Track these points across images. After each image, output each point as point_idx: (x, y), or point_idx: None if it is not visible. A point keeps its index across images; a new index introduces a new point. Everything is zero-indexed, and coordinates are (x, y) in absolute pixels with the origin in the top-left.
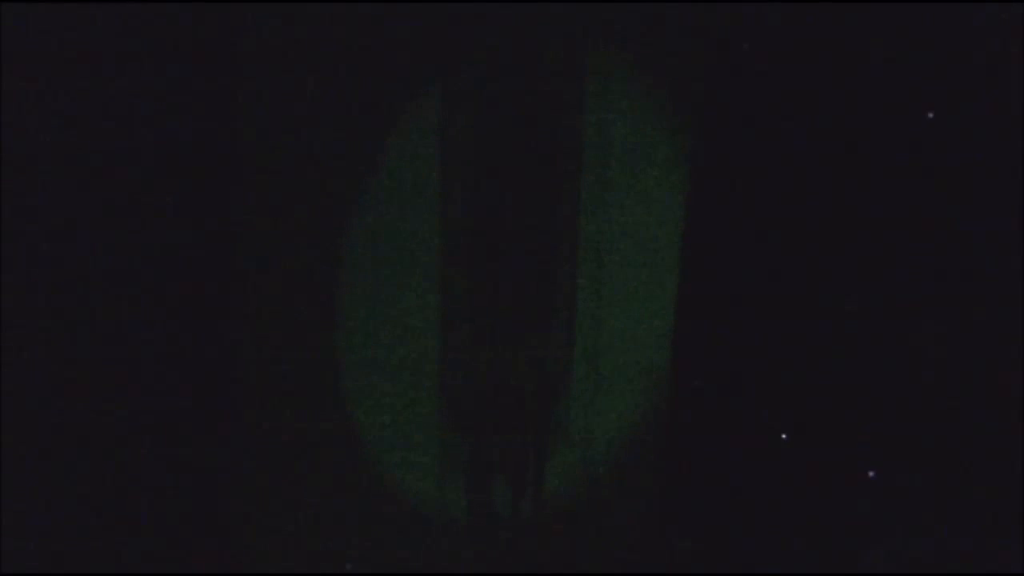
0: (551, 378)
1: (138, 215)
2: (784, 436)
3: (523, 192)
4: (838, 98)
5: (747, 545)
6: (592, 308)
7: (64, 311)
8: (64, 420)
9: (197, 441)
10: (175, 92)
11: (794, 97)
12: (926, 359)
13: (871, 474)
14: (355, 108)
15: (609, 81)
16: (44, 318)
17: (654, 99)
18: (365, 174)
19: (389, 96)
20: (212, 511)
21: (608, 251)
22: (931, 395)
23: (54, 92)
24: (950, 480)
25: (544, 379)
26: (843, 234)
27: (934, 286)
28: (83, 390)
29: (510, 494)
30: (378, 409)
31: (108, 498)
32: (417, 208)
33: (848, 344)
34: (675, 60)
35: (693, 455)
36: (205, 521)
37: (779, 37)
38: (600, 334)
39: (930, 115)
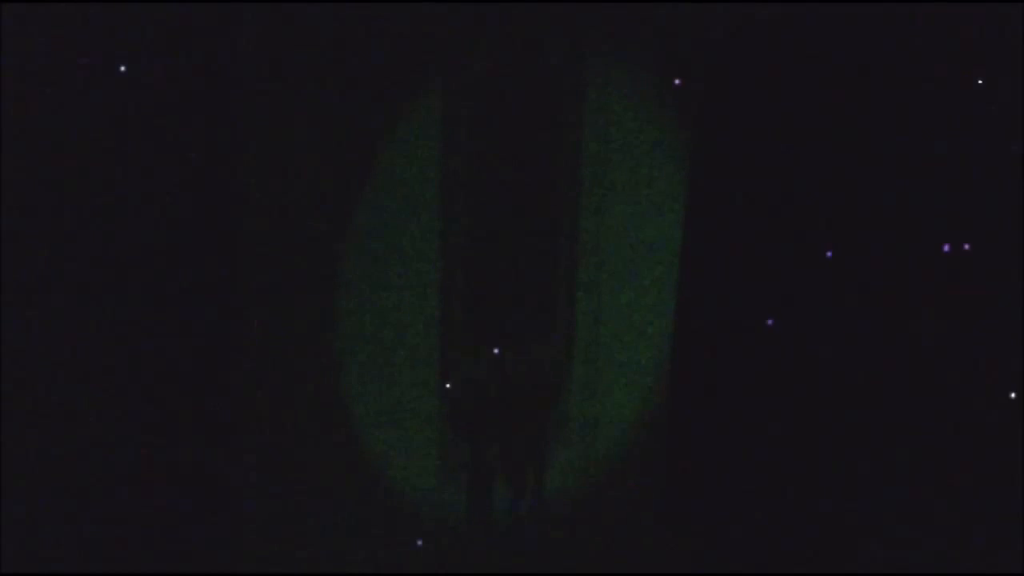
0: (551, 378)
1: (138, 215)
2: None
3: (523, 192)
4: (838, 98)
5: (747, 545)
6: (592, 308)
7: (64, 312)
8: (64, 420)
9: (197, 441)
10: (175, 92)
11: (794, 97)
12: (926, 358)
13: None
14: (355, 108)
15: (609, 81)
16: (45, 318)
17: (654, 99)
18: (365, 174)
19: (389, 96)
20: (212, 511)
21: (608, 251)
22: (931, 395)
23: (54, 92)
24: (950, 480)
25: (544, 379)
26: (843, 234)
27: (934, 285)
28: (84, 391)
29: (510, 495)
30: (378, 409)
31: (108, 498)
32: (417, 208)
33: (848, 343)
34: (675, 60)
35: (693, 455)
36: (205, 521)
37: (779, 37)
38: (600, 334)
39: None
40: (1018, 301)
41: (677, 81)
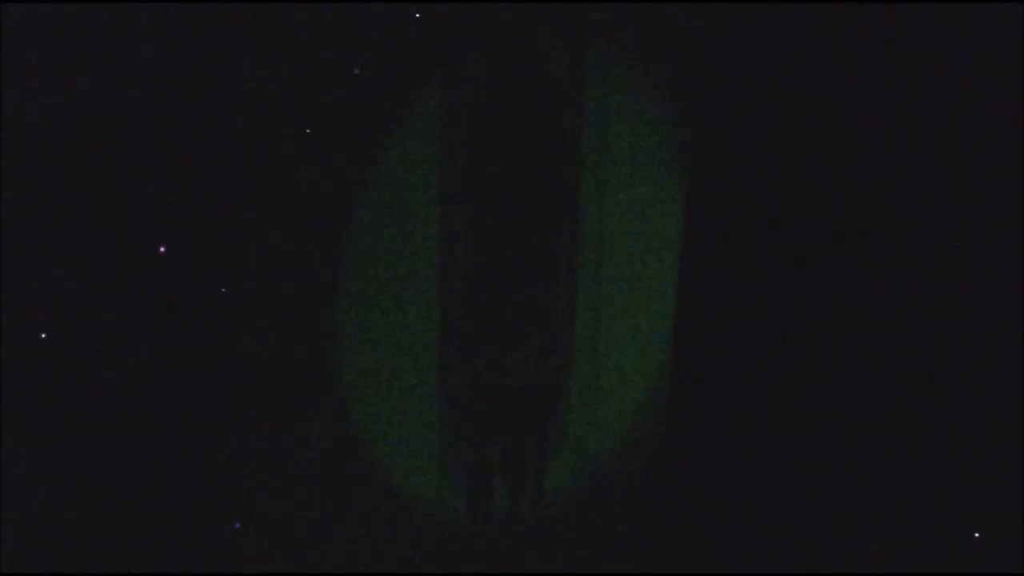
0: (551, 378)
1: (138, 215)
2: None
3: (523, 192)
4: (838, 98)
5: (747, 545)
6: (592, 308)
7: (65, 312)
8: (65, 421)
9: (198, 442)
10: (175, 92)
11: (794, 97)
12: (925, 358)
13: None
14: (355, 108)
15: (609, 81)
16: (45, 319)
17: (654, 99)
18: (365, 174)
19: (389, 96)
20: (212, 511)
21: (608, 251)
22: (931, 394)
23: (54, 92)
24: (950, 480)
25: (544, 379)
26: (843, 234)
27: (934, 285)
28: (83, 390)
29: (510, 495)
30: (378, 410)
31: (108, 498)
32: (417, 208)
33: (848, 344)
34: (675, 60)
35: (693, 455)
36: (205, 521)
37: (779, 37)
38: (600, 334)
39: None
40: (1019, 301)
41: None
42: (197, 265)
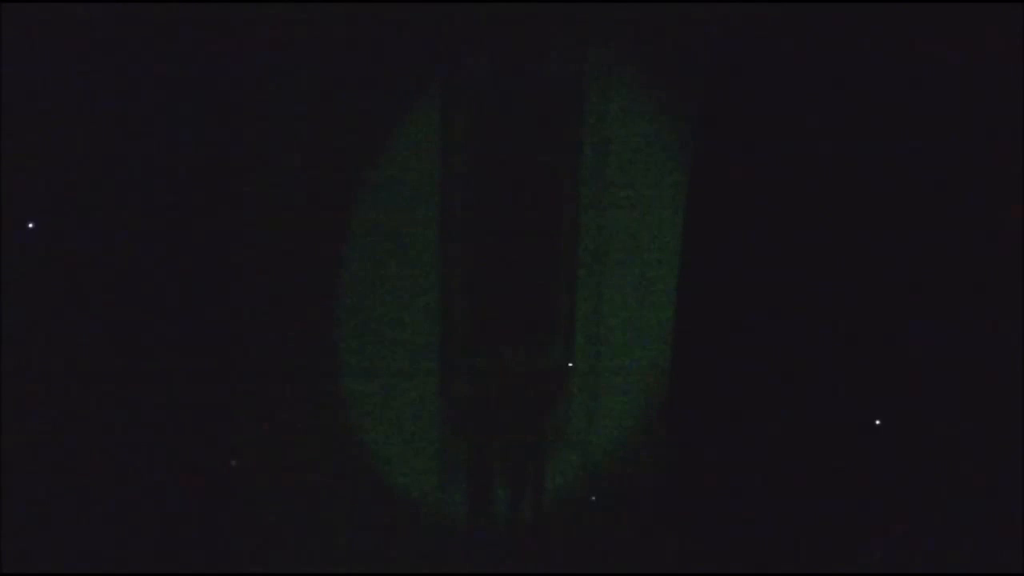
0: (551, 379)
1: (137, 215)
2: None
3: (523, 192)
4: (839, 98)
5: (747, 545)
6: (592, 308)
7: (64, 311)
8: (64, 420)
9: (197, 441)
10: (175, 92)
11: (795, 97)
12: (928, 359)
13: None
14: (355, 107)
15: (609, 81)
16: (45, 319)
17: (654, 99)
18: (365, 174)
19: (389, 96)
20: (212, 511)
21: (608, 251)
22: (932, 395)
23: (54, 92)
24: (950, 480)
25: (544, 380)
26: (844, 234)
27: (935, 286)
28: (83, 390)
29: (510, 495)
30: (378, 410)
31: (108, 498)
32: (417, 208)
33: (849, 344)
34: (675, 60)
35: (693, 455)
36: (205, 521)
37: (779, 37)
38: (600, 334)
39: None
40: (1018, 301)
41: None
42: (196, 265)
